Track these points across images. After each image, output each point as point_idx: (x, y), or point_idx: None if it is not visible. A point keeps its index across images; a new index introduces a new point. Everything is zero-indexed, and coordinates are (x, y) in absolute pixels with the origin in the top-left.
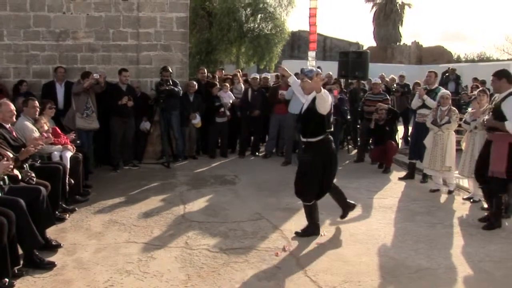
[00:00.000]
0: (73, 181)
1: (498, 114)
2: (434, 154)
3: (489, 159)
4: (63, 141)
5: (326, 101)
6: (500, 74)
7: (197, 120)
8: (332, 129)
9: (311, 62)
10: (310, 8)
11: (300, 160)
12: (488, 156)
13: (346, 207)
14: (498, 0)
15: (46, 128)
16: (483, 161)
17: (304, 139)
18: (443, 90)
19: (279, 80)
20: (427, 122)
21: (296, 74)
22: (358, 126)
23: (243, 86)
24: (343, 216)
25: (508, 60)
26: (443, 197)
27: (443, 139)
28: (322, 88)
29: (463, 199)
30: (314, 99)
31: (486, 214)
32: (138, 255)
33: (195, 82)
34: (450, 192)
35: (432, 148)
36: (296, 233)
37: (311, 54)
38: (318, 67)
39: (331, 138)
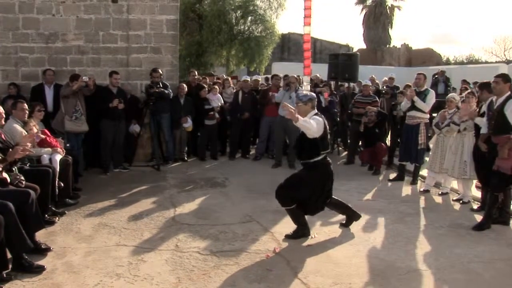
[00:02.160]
0: (62, 184)
1: (500, 118)
2: (435, 155)
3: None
4: (53, 143)
5: (308, 129)
6: (508, 78)
7: (188, 124)
8: (330, 150)
9: (305, 87)
10: (304, 34)
11: (296, 173)
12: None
13: (351, 216)
14: (487, 3)
15: (35, 130)
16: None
17: (301, 161)
18: (451, 94)
19: (269, 83)
20: (433, 124)
21: (285, 76)
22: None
23: (233, 91)
24: (346, 224)
25: (496, 62)
26: (433, 199)
27: (444, 141)
28: (304, 116)
29: (453, 200)
30: None
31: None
32: (128, 258)
33: (185, 85)
34: (442, 194)
35: (434, 149)
36: (286, 235)
37: (306, 79)
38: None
39: (330, 160)
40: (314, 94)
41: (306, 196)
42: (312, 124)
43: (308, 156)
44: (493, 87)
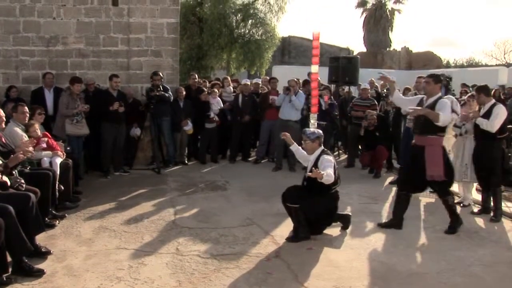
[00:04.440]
0: (63, 187)
1: (429, 119)
2: None
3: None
4: (53, 146)
5: (329, 181)
6: (438, 78)
7: (189, 127)
8: (340, 183)
9: (313, 124)
10: (312, 73)
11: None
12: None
13: (344, 221)
14: (487, 6)
15: (39, 133)
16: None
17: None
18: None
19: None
20: None
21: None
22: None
23: (232, 89)
24: (345, 227)
25: (496, 65)
26: (433, 202)
27: None
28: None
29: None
30: (317, 161)
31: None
32: (128, 261)
33: (183, 88)
34: None
35: None
36: (287, 239)
37: (313, 116)
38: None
39: (338, 195)
40: (321, 132)
41: (306, 207)
42: (331, 175)
43: (319, 192)
44: (424, 87)
